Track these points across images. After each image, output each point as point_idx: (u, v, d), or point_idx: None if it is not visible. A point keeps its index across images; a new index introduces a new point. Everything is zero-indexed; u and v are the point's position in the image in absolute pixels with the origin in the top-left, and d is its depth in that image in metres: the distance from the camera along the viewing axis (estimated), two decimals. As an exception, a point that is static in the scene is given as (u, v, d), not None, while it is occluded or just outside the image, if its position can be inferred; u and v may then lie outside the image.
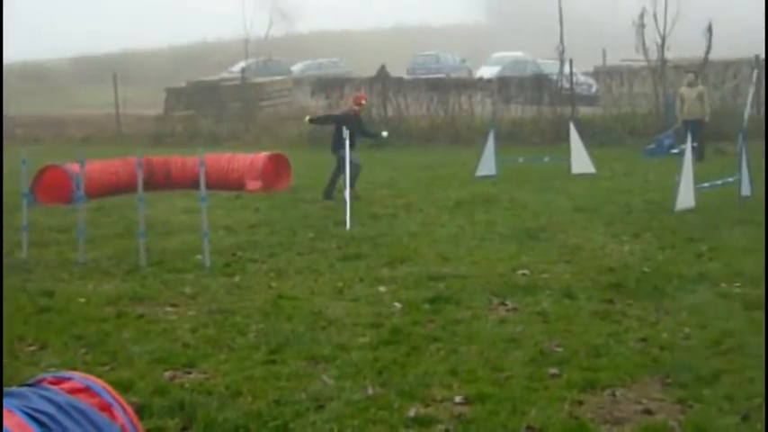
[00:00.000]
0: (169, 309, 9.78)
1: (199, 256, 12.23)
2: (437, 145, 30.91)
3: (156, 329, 8.89)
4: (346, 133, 16.97)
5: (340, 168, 17.65)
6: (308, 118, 20.68)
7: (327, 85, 35.74)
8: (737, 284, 10.18)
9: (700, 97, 24.52)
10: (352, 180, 16.59)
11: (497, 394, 6.89)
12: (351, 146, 17.00)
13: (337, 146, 17.86)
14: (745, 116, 19.64)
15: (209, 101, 39.09)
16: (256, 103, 39.25)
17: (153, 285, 10.84)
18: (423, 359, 7.82)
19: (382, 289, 10.44)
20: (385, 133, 20.68)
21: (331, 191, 18.18)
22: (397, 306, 9.65)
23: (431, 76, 40.91)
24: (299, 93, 41.71)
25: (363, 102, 19.68)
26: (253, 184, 19.70)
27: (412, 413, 6.60)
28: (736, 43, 37.46)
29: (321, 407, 6.72)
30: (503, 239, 13.38)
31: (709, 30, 30.61)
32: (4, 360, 7.74)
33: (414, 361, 7.77)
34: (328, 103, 34.16)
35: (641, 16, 31.34)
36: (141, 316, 9.46)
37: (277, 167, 20.65)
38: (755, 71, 27.47)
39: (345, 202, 15.25)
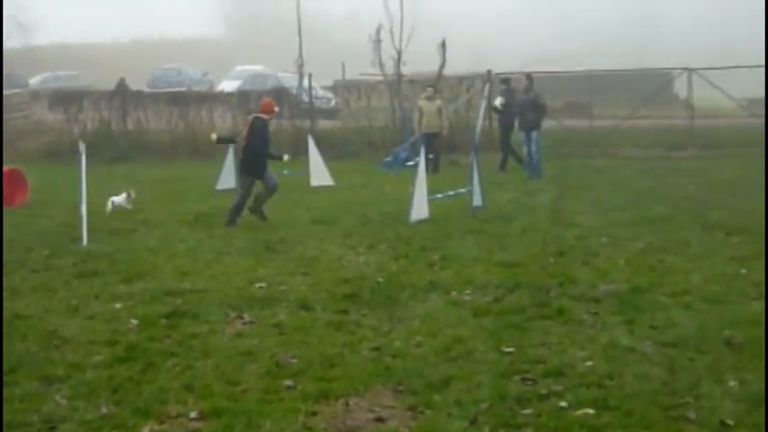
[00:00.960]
0: None
1: None
2: (178, 159, 30.54)
3: None
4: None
5: (248, 192, 16.36)
6: (213, 136, 19.18)
7: (65, 98, 34.68)
8: (468, 292, 10.53)
9: (438, 111, 25.21)
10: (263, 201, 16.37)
11: (232, 408, 6.89)
12: (264, 166, 16.24)
13: (252, 168, 16.25)
14: (477, 129, 20.36)
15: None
16: (-7, 116, 37.71)
17: None
18: (158, 375, 7.72)
19: (118, 305, 10.24)
20: (287, 157, 17.42)
21: (235, 217, 16.14)
22: (133, 323, 9.48)
23: (172, 89, 40.40)
24: (36, 106, 40.32)
25: (276, 109, 17.47)
26: (-16, 200, 18.90)
27: (146, 431, 6.51)
28: (469, 59, 38.83)
29: (53, 428, 6.58)
30: (241, 253, 13.36)
31: (443, 45, 31.48)
32: None
33: (149, 378, 7.67)
34: (67, 117, 33.11)
35: (378, 32, 31.87)
36: None
37: (12, 183, 19.86)
38: (487, 85, 28.52)
39: (81, 217, 14.83)
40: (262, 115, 16.49)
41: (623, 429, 6.40)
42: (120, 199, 17.90)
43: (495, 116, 25.74)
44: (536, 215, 16.39)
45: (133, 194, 18.10)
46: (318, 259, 12.76)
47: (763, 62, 29.65)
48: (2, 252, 12.93)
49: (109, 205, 17.59)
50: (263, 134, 16.28)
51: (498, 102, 24.60)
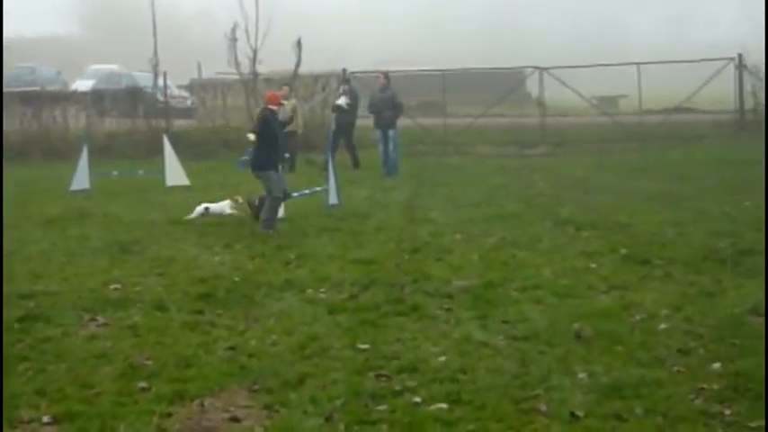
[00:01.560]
0: None
1: None
2: (32, 160, 29.84)
3: None
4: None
5: (276, 187, 15.13)
6: (251, 136, 16.41)
7: None
8: (323, 290, 10.59)
9: (293, 110, 25.20)
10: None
11: (86, 411, 6.82)
12: (277, 159, 15.40)
13: (266, 162, 15.25)
14: (333, 128, 20.45)
15: None
16: None
17: None
18: (10, 381, 7.55)
19: (-33, 310, 9.99)
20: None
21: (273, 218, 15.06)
22: (-16, 327, 9.27)
23: (25, 89, 39.44)
24: None
25: (283, 102, 16.34)
26: None
27: (-4, 437, 6.40)
28: (325, 58, 38.86)
29: None
30: (95, 254, 13.16)
31: (299, 44, 31.50)
32: None
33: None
34: None
35: (233, 30, 31.72)
36: None
37: None
38: (342, 85, 28.64)
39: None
40: (270, 107, 15.69)
41: (476, 423, 6.50)
42: (222, 205, 16.40)
43: (334, 115, 25.53)
44: (391, 213, 16.56)
45: (240, 200, 16.52)
46: (174, 259, 12.66)
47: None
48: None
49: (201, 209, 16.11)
50: (272, 127, 15.47)
51: (343, 101, 24.68)
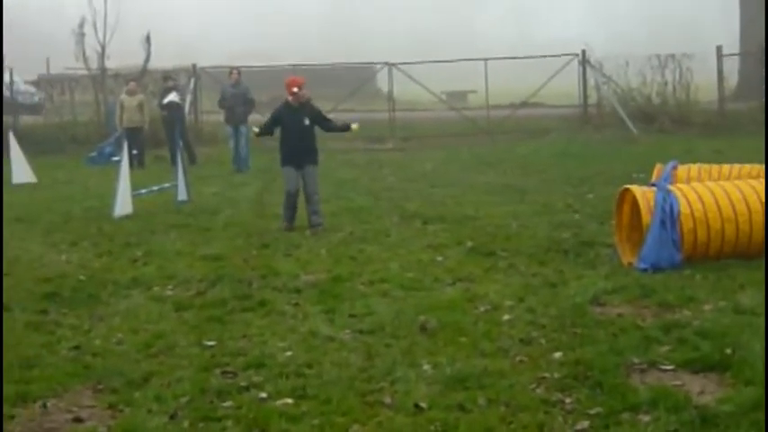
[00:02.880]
0: None
1: None
2: None
3: None
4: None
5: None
6: (255, 130, 15.49)
7: None
8: (170, 287, 10.54)
9: (140, 106, 24.96)
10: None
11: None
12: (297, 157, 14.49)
13: (283, 158, 14.65)
14: (186, 122, 20.33)
15: None
16: None
17: None
18: None
19: None
20: (356, 125, 15.52)
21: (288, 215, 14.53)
22: None
23: None
24: None
25: (295, 89, 14.46)
26: None
27: None
28: (175, 53, 38.51)
29: None
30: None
31: (148, 40, 31.19)
32: None
33: None
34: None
35: (81, 25, 31.21)
36: None
37: None
38: (192, 80, 28.48)
39: None
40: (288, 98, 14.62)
41: (321, 417, 6.53)
42: None
43: (164, 113, 25.24)
44: (241, 208, 16.55)
45: None
46: (18, 259, 12.40)
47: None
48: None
49: None
50: (281, 120, 14.69)
51: (176, 97, 24.55)
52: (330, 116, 16.40)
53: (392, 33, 64.98)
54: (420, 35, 63.86)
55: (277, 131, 14.85)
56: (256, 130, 15.31)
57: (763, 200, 10.69)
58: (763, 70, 29.60)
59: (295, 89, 14.41)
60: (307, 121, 14.53)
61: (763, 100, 28.03)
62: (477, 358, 7.67)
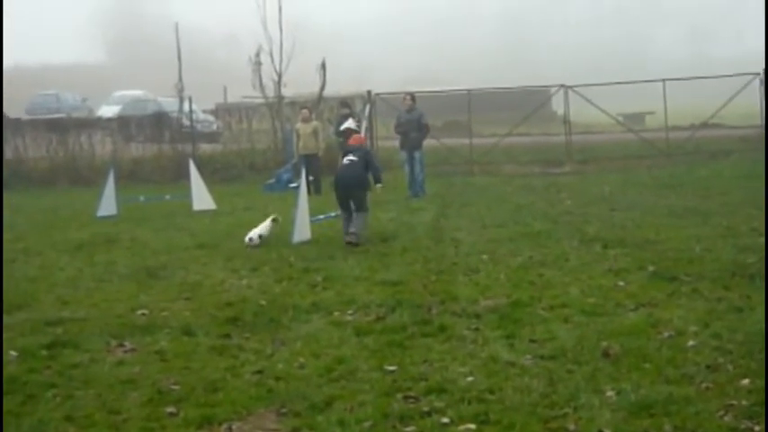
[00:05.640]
0: None
1: None
2: (58, 186, 30.15)
3: None
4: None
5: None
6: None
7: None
8: (350, 312, 10.56)
9: (314, 132, 25.30)
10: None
11: (115, 438, 6.81)
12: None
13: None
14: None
15: None
16: None
17: None
18: (38, 407, 7.59)
19: (-4, 338, 10.02)
20: (380, 185, 16.83)
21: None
22: (12, 354, 9.25)
23: (50, 116, 39.81)
24: None
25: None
26: None
27: (26, 464, 6.41)
28: (350, 79, 39.03)
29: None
30: (122, 279, 13.20)
31: (323, 66, 31.66)
32: None
33: (29, 410, 7.53)
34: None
35: (257, 54, 31.90)
36: None
37: None
38: (368, 106, 28.73)
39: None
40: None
41: (505, 443, 6.48)
42: (264, 228, 16.23)
43: (341, 139, 25.41)
44: (418, 233, 16.52)
45: (279, 219, 16.64)
46: (201, 284, 12.67)
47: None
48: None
49: (249, 240, 15.78)
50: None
51: (352, 124, 24.73)
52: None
53: (564, 54, 64.51)
54: (593, 55, 63.23)
55: None
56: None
57: None
58: None
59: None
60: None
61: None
62: (661, 385, 7.46)
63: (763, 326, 9.02)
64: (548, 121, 37.68)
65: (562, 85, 32.63)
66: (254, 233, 15.87)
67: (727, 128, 34.47)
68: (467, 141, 31.79)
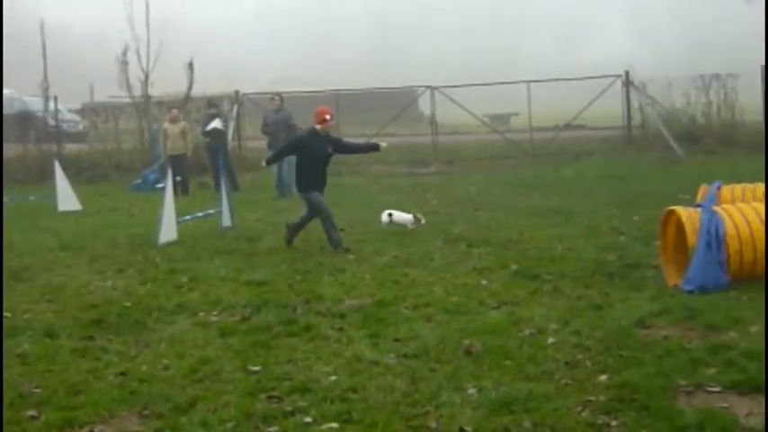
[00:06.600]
0: None
1: None
2: None
3: None
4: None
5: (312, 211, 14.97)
6: (264, 162, 16.95)
7: None
8: (215, 313, 10.58)
9: (183, 133, 25.12)
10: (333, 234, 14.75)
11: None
12: (319, 183, 14.95)
13: (307, 184, 14.89)
14: (228, 149, 20.44)
15: None
16: None
17: None
18: None
19: None
20: (384, 143, 16.11)
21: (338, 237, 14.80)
22: None
23: None
24: None
25: (328, 117, 14.92)
26: None
27: None
28: (219, 79, 38.79)
29: None
30: (-17, 282, 12.95)
31: (191, 66, 31.44)
32: None
33: None
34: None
35: (124, 53, 31.51)
36: None
37: None
38: (235, 106, 28.63)
39: None
40: (316, 126, 14.94)
41: (366, 441, 6.57)
42: (405, 217, 16.60)
43: (207, 139, 25.32)
44: (284, 234, 16.53)
45: (423, 221, 16.53)
46: (65, 286, 12.52)
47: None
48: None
49: (389, 215, 16.63)
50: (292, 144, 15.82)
51: (219, 124, 24.69)
52: (374, 140, 16.47)
53: (434, 57, 65.12)
54: (462, 58, 63.95)
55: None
56: (264, 161, 16.34)
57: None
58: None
59: (327, 116, 14.90)
60: (330, 149, 14.95)
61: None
62: (522, 382, 7.64)
63: (621, 323, 9.32)
64: (415, 122, 38.01)
65: (429, 86, 32.97)
66: (395, 213, 16.62)
67: (590, 129, 35.20)
68: (334, 142, 31.82)
